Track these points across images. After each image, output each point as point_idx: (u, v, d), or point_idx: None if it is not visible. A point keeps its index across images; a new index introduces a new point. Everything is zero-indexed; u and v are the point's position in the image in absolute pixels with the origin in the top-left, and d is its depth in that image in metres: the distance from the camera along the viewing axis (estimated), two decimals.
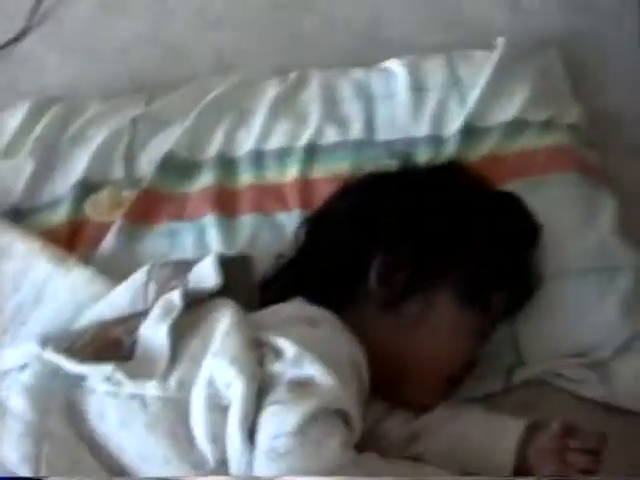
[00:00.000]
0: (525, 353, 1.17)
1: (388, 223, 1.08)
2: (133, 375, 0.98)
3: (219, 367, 0.96)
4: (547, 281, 1.17)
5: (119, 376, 0.98)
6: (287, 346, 0.96)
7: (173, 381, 0.97)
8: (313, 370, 0.94)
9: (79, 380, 1.00)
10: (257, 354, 0.98)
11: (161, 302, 1.04)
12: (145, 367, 0.99)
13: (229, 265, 1.08)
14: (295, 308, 1.05)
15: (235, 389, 0.94)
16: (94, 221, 1.27)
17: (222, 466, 0.94)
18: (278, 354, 0.97)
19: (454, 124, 1.28)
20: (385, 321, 1.07)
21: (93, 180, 1.30)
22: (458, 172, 1.17)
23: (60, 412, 0.98)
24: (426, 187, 1.13)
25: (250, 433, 0.93)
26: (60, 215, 1.27)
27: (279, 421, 0.92)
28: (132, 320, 1.05)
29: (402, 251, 1.07)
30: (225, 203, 1.26)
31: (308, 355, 0.95)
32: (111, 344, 1.02)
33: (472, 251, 1.08)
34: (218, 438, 0.94)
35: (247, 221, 1.25)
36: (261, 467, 0.91)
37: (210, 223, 1.24)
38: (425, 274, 1.07)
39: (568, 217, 1.21)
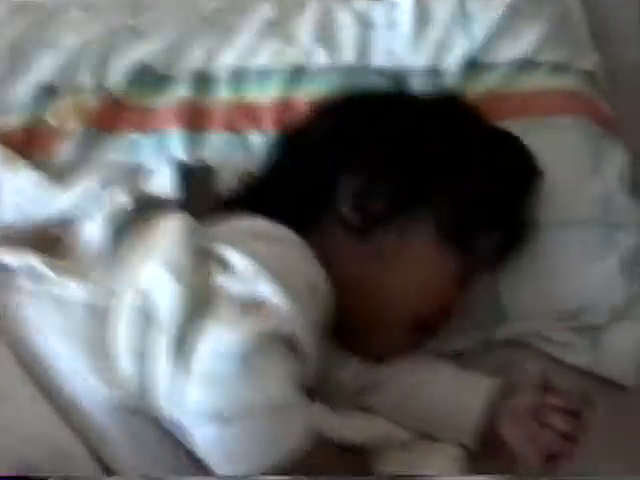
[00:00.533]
0: (508, 309, 1.05)
1: (369, 145, 0.97)
2: (60, 272, 0.87)
3: (153, 274, 0.85)
4: (540, 229, 1.05)
5: (45, 270, 0.87)
6: (238, 259, 0.84)
7: (102, 287, 0.86)
8: (266, 289, 0.82)
9: (4, 277, 0.90)
10: (201, 265, 0.86)
11: (108, 205, 0.93)
12: (76, 267, 0.89)
13: (191, 176, 0.97)
14: (254, 223, 0.93)
15: (167, 298, 0.82)
16: (54, 128, 1.16)
17: (141, 387, 0.82)
18: (226, 267, 0.85)
19: (456, 58, 1.16)
20: (354, 250, 0.95)
21: (57, 86, 1.19)
22: (454, 103, 1.05)
23: None
24: (416, 113, 1.02)
25: (182, 353, 0.81)
26: (18, 119, 1.16)
27: (219, 341, 0.80)
28: (76, 222, 0.95)
29: (381, 176, 0.95)
30: (195, 119, 1.15)
31: (262, 271, 0.83)
32: (48, 241, 0.93)
33: (460, 185, 0.96)
34: (143, 356, 0.82)
35: (216, 139, 1.14)
36: (191, 392, 0.79)
37: (175, 137, 1.13)
38: (404, 203, 0.95)
39: (571, 164, 1.09)
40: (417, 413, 0.97)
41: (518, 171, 1.02)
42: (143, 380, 0.82)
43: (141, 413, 0.82)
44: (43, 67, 1.19)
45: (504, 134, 1.05)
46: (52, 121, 1.16)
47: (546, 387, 0.91)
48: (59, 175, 1.08)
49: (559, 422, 0.89)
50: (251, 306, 0.82)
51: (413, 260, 0.95)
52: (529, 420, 0.91)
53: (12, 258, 0.90)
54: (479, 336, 1.04)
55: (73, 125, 1.15)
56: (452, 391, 0.97)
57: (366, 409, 0.98)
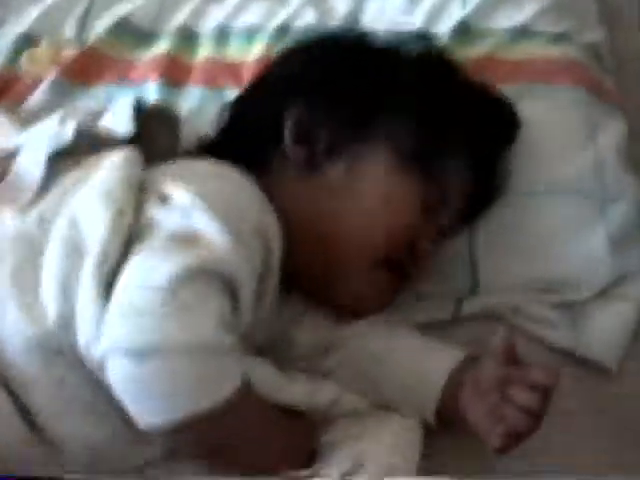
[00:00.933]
0: (483, 279, 0.98)
1: (314, 82, 0.92)
2: None
3: (85, 200, 0.80)
4: (524, 197, 0.98)
5: None
6: (178, 193, 0.79)
7: (34, 213, 0.81)
8: (204, 223, 0.77)
9: None
10: (139, 199, 0.80)
11: (54, 131, 0.88)
12: (8, 193, 0.83)
13: (150, 117, 0.92)
14: (206, 164, 0.87)
15: (97, 227, 0.77)
16: (28, 74, 1.13)
17: (64, 322, 0.76)
18: (165, 200, 0.80)
19: (450, 23, 1.09)
20: (304, 188, 0.89)
21: (37, 35, 1.15)
22: (431, 55, 0.98)
23: None
24: (375, 52, 0.96)
25: (107, 284, 0.75)
26: None
27: (145, 271, 0.74)
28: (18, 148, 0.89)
29: (321, 104, 0.90)
30: (173, 73, 1.11)
31: (201, 205, 0.77)
32: None
33: (411, 111, 0.90)
34: (68, 288, 0.76)
35: (194, 92, 1.10)
36: (111, 324, 0.73)
37: (152, 89, 1.10)
38: (350, 129, 0.89)
39: (563, 131, 1.02)
40: (375, 381, 0.89)
41: (487, 114, 0.95)
42: (66, 314, 0.76)
43: (63, 355, 0.76)
44: (25, 18, 1.17)
45: (481, 85, 0.98)
46: (26, 65, 1.13)
47: (511, 357, 0.82)
48: (28, 120, 1.04)
49: (523, 397, 0.80)
50: (186, 239, 0.76)
51: (367, 189, 0.88)
52: (491, 394, 0.81)
53: None
54: (450, 306, 0.96)
55: (47, 71, 1.11)
56: (415, 361, 0.89)
57: (320, 373, 0.90)
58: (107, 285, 0.75)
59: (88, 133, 0.88)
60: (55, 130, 0.88)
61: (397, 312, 0.94)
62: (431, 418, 0.88)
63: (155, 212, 0.79)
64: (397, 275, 0.90)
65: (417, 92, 0.91)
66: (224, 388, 0.73)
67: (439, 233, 0.93)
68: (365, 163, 0.88)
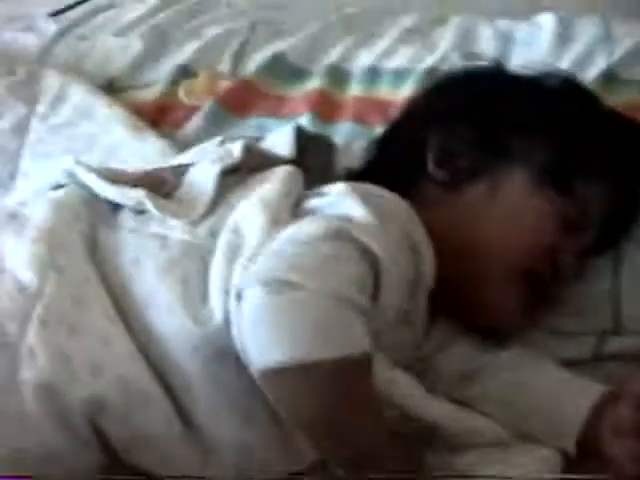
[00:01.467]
0: (627, 318, 0.98)
1: (453, 108, 0.97)
2: (162, 209, 0.87)
3: (246, 210, 0.84)
4: None
5: (148, 205, 0.87)
6: (334, 187, 0.85)
7: (204, 227, 0.86)
8: (355, 208, 0.81)
9: (107, 214, 0.90)
10: (295, 209, 0.85)
11: (220, 151, 0.93)
12: (180, 206, 0.88)
13: (309, 142, 0.96)
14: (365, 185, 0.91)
15: (253, 231, 0.81)
16: (185, 104, 1.19)
17: (228, 324, 0.79)
18: (322, 195, 0.85)
19: (595, 71, 1.13)
20: (448, 206, 0.94)
21: (194, 68, 1.22)
22: (569, 84, 1.02)
23: (75, 244, 0.86)
24: (513, 80, 1.02)
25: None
26: (153, 94, 1.20)
27: (296, 228, 0.79)
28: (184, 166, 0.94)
29: (462, 128, 0.95)
30: (326, 108, 1.16)
31: (355, 195, 0.82)
32: (154, 181, 0.92)
33: (553, 135, 0.95)
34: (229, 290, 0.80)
35: (345, 128, 1.14)
36: (257, 264, 0.77)
37: (305, 123, 1.13)
38: (490, 151, 0.95)
39: None
40: (517, 412, 0.91)
41: (627, 137, 0.98)
42: (227, 314, 0.79)
43: (223, 357, 0.79)
44: (185, 52, 1.23)
45: (619, 113, 1.02)
46: (184, 97, 1.18)
47: None
48: (184, 147, 1.09)
49: None
50: (335, 216, 0.81)
51: (507, 205, 0.93)
52: (630, 434, 0.84)
53: (116, 193, 0.89)
54: (590, 345, 0.97)
55: (202, 101, 1.17)
56: (558, 393, 0.91)
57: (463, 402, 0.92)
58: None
59: (253, 153, 0.92)
60: (224, 149, 0.93)
61: (536, 349, 0.96)
62: (572, 450, 0.89)
63: (314, 202, 0.85)
64: (537, 291, 0.93)
65: (556, 113, 0.96)
66: (352, 346, 0.73)
67: (581, 251, 0.96)
68: (504, 182, 0.94)
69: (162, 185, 0.91)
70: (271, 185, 0.86)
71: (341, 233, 0.77)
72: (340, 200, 0.83)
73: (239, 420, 0.80)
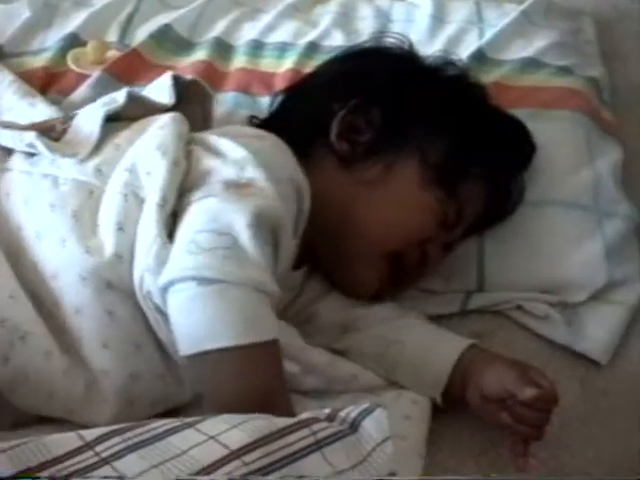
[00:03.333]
0: (489, 279, 1.06)
1: (366, 82, 1.01)
2: (52, 150, 0.90)
3: (143, 152, 0.88)
4: (530, 207, 1.07)
5: (39, 146, 0.90)
6: (231, 147, 0.88)
7: (91, 164, 0.89)
8: (256, 174, 0.85)
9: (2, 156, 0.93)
10: (190, 150, 0.89)
11: (104, 98, 0.97)
12: (68, 147, 0.91)
13: (189, 92, 1.00)
14: (245, 127, 0.99)
15: (156, 174, 0.85)
16: (73, 71, 1.22)
17: (119, 258, 0.83)
18: (218, 154, 0.89)
19: (466, 52, 1.20)
20: (340, 178, 0.98)
21: (83, 37, 1.24)
22: (465, 78, 1.08)
23: None
24: (422, 69, 1.06)
25: (166, 225, 0.83)
26: (41, 61, 1.23)
27: (210, 217, 0.82)
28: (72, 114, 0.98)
29: (368, 107, 0.99)
30: (212, 78, 1.20)
31: (253, 158, 0.86)
32: (44, 127, 0.95)
33: (448, 129, 0.99)
34: (126, 227, 0.84)
35: (228, 98, 1.19)
36: (179, 258, 0.80)
37: None
38: (390, 139, 0.98)
39: (567, 151, 1.12)
40: (388, 363, 0.96)
41: (510, 138, 1.04)
42: (122, 250, 0.83)
43: (116, 288, 0.83)
44: (74, 20, 1.26)
45: (504, 111, 1.08)
46: (72, 64, 1.20)
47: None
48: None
49: (530, 418, 0.87)
50: (240, 187, 0.85)
51: (394, 193, 0.97)
52: (499, 410, 0.89)
53: (7, 136, 0.92)
54: (458, 301, 1.05)
55: (92, 71, 1.19)
56: (425, 346, 0.96)
57: (338, 351, 0.98)
58: (165, 225, 0.83)
59: (137, 100, 0.96)
60: (109, 96, 0.97)
61: (408, 305, 1.03)
62: (439, 399, 0.95)
63: (211, 163, 0.88)
64: (399, 271, 0.99)
65: (453, 113, 1.00)
66: (268, 331, 0.79)
67: (448, 243, 1.02)
68: (398, 169, 0.97)
69: (51, 130, 0.94)
70: (160, 129, 0.90)
71: (253, 219, 0.80)
72: (240, 166, 0.86)
73: (128, 350, 0.83)
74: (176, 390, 0.86)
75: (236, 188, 0.84)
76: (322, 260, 0.99)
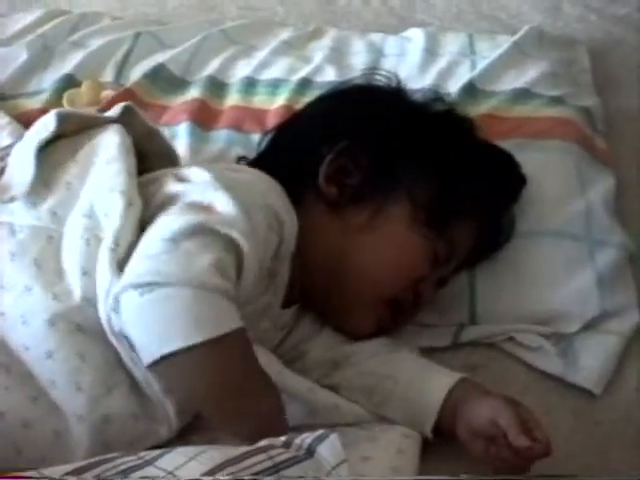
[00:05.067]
0: (481, 312, 1.06)
1: (354, 126, 1.00)
2: (4, 200, 0.90)
3: (97, 195, 0.88)
4: (521, 238, 1.07)
5: None
6: (198, 172, 0.89)
7: (45, 208, 0.89)
8: (216, 196, 0.85)
9: None
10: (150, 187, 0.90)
11: (36, 125, 0.95)
12: (11, 190, 0.91)
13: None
14: (232, 164, 0.99)
15: (112, 215, 0.86)
16: None
17: (88, 302, 0.84)
18: (183, 180, 0.89)
19: (458, 84, 1.21)
20: (330, 222, 0.97)
21: (79, 77, 1.26)
22: (450, 110, 1.08)
23: None
24: (407, 106, 1.05)
25: (120, 264, 0.83)
26: (37, 102, 1.25)
27: (158, 227, 0.83)
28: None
29: (361, 153, 0.98)
30: (205, 117, 1.21)
31: (216, 183, 0.87)
32: None
33: (436, 169, 0.98)
34: (91, 271, 0.84)
35: (221, 135, 1.20)
36: (129, 268, 0.81)
37: (184, 131, 1.19)
38: (379, 181, 0.97)
39: (557, 180, 1.12)
40: (379, 398, 0.96)
41: (499, 171, 1.04)
42: (89, 293, 0.83)
43: (84, 331, 0.83)
44: (70, 61, 1.28)
45: (493, 145, 1.08)
46: (67, 105, 1.22)
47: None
48: None
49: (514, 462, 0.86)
50: (201, 207, 0.85)
51: (384, 237, 0.97)
52: (488, 445, 0.88)
53: None
54: (449, 334, 1.04)
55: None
56: (416, 381, 0.96)
57: (328, 387, 0.97)
58: (119, 264, 0.83)
59: (70, 120, 0.94)
60: (40, 121, 0.94)
61: (401, 338, 1.02)
62: (430, 436, 0.94)
63: (176, 187, 0.88)
64: (396, 311, 0.99)
65: (441, 152, 0.99)
66: (223, 325, 0.78)
67: (441, 280, 1.02)
68: (388, 212, 0.97)
69: None
70: (111, 167, 0.89)
71: (204, 227, 0.81)
72: (203, 189, 0.87)
73: (100, 392, 0.83)
74: (152, 428, 0.85)
75: (197, 207, 0.85)
76: (318, 303, 0.99)
